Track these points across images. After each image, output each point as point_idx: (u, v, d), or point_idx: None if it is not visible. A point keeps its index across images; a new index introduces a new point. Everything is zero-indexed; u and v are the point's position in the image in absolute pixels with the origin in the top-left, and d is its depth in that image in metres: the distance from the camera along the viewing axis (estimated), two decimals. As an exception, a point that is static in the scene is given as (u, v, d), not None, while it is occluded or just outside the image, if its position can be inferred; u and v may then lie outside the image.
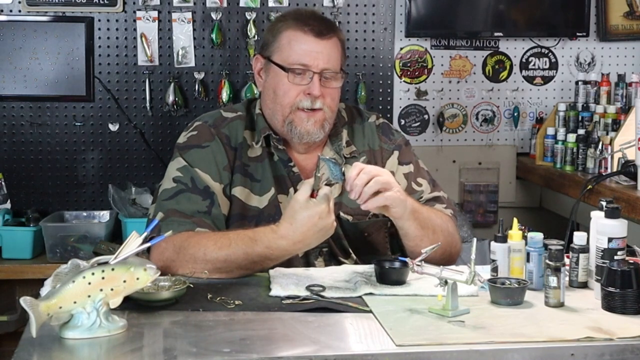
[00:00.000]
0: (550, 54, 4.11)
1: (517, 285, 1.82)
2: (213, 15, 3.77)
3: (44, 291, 1.64)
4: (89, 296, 1.59)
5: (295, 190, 2.25)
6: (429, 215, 2.22)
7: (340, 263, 2.23)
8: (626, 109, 3.57)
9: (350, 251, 2.26)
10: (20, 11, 3.71)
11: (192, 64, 3.80)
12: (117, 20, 3.76)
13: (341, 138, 2.33)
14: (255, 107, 2.36)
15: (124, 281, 1.62)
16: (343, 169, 2.04)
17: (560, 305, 1.79)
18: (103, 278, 1.60)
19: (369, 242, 2.29)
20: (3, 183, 3.61)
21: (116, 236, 3.54)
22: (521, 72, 4.12)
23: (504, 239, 1.95)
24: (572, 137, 3.60)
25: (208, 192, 2.19)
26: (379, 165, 2.31)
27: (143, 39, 3.75)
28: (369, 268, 2.04)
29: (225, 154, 2.25)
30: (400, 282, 1.94)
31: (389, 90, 3.93)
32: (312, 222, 1.97)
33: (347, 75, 2.34)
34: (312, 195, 1.98)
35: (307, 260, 2.22)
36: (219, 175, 2.22)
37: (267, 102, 2.30)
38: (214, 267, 2.01)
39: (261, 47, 2.36)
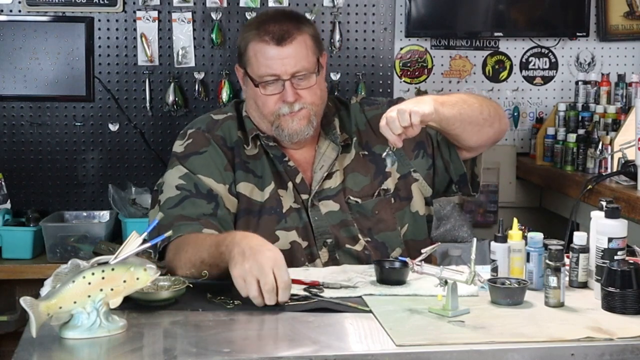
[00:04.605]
0: (550, 54, 4.11)
1: (517, 285, 1.82)
2: (213, 15, 3.77)
3: (44, 291, 1.64)
4: (89, 296, 1.59)
5: (294, 184, 2.27)
6: (451, 94, 2.27)
7: (345, 252, 2.24)
8: (626, 109, 3.57)
9: (360, 237, 2.27)
10: (20, 11, 3.71)
11: (192, 64, 3.79)
12: (117, 20, 3.76)
13: (335, 127, 2.35)
14: (242, 108, 2.38)
15: (124, 281, 1.62)
16: (393, 149, 2.09)
17: (560, 305, 1.79)
18: (103, 278, 1.60)
19: (380, 219, 2.30)
20: (3, 183, 3.61)
21: (116, 236, 3.54)
22: (521, 72, 4.11)
23: (504, 239, 1.95)
24: (572, 137, 3.59)
25: (212, 195, 2.20)
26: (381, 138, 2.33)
27: (143, 39, 3.75)
28: (369, 268, 2.04)
29: (223, 155, 2.26)
30: (400, 282, 1.94)
31: (389, 90, 3.93)
32: (258, 251, 1.83)
33: (322, 67, 2.31)
34: None
35: (310, 252, 2.23)
36: (222, 176, 2.23)
37: (251, 110, 2.33)
38: (200, 269, 1.98)
39: (238, 56, 2.36)
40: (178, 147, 2.30)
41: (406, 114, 2.04)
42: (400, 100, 2.43)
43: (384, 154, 2.11)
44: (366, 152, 2.36)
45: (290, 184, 2.28)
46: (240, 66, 2.33)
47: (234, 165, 2.27)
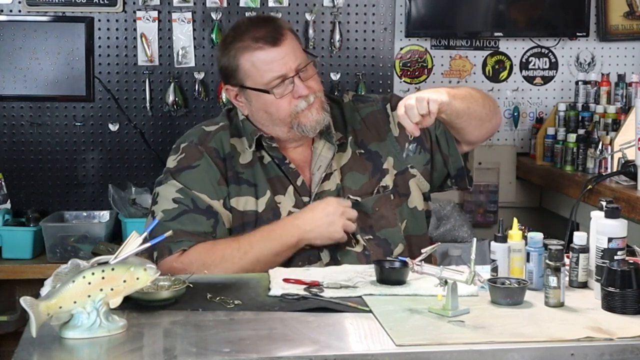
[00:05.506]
0: (550, 54, 4.11)
1: (517, 285, 1.82)
2: (213, 15, 3.77)
3: (44, 291, 1.64)
4: (89, 296, 1.59)
5: (295, 187, 2.27)
6: (459, 88, 2.33)
7: (346, 254, 2.24)
8: (626, 109, 3.57)
9: (359, 237, 2.27)
10: (20, 11, 3.71)
11: (192, 64, 3.79)
12: (117, 20, 3.76)
13: (330, 126, 2.34)
14: (237, 114, 2.36)
15: (124, 281, 1.62)
16: (410, 138, 2.16)
17: (560, 305, 1.79)
18: (103, 278, 1.60)
19: (381, 215, 2.31)
20: (3, 183, 3.61)
21: (116, 236, 3.54)
22: (521, 72, 4.12)
23: (504, 239, 1.95)
24: (572, 137, 3.60)
25: (211, 211, 2.20)
26: (381, 132, 2.38)
27: (143, 39, 3.75)
28: (369, 268, 2.04)
29: (216, 168, 2.25)
30: (400, 282, 1.94)
31: (389, 90, 3.92)
32: (324, 209, 2.18)
33: (315, 56, 2.40)
34: None
35: (311, 254, 2.23)
36: (215, 192, 2.23)
37: (263, 121, 2.30)
38: (244, 270, 2.12)
39: (225, 78, 2.34)
40: (171, 162, 2.29)
41: (424, 101, 2.05)
42: (393, 96, 2.44)
43: (409, 146, 2.18)
44: (362, 151, 2.36)
45: (290, 188, 2.28)
46: (233, 85, 2.31)
47: (227, 179, 2.26)
